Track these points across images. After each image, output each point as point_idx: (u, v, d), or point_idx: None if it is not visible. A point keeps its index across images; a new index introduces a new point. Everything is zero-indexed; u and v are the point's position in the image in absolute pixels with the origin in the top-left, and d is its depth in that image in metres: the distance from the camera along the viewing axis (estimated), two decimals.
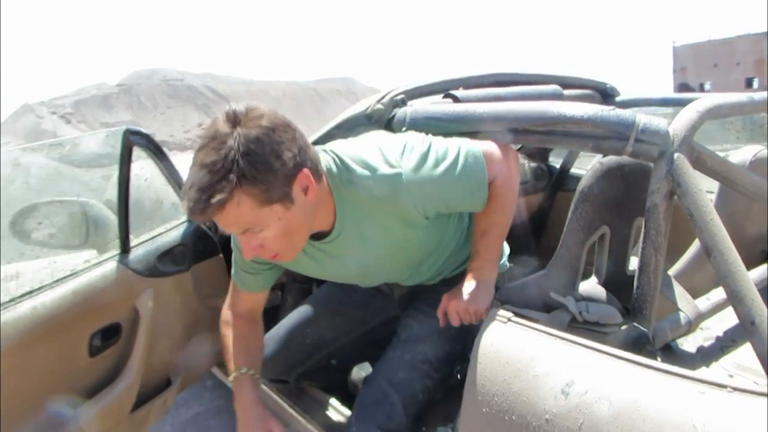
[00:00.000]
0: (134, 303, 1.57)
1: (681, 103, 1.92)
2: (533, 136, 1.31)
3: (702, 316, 1.35)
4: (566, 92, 2.11)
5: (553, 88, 2.03)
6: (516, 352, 1.08)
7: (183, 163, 1.33)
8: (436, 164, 1.24)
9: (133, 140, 1.54)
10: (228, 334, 1.47)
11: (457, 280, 1.37)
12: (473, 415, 1.12)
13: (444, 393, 1.50)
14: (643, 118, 1.17)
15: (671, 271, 1.48)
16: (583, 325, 1.22)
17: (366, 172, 1.23)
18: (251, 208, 1.10)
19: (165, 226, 1.75)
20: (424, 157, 1.24)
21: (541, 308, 1.26)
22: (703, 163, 1.21)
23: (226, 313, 1.50)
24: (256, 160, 1.07)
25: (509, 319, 1.14)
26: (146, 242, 1.65)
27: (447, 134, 1.38)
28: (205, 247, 1.80)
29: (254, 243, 1.18)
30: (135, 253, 1.61)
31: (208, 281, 1.81)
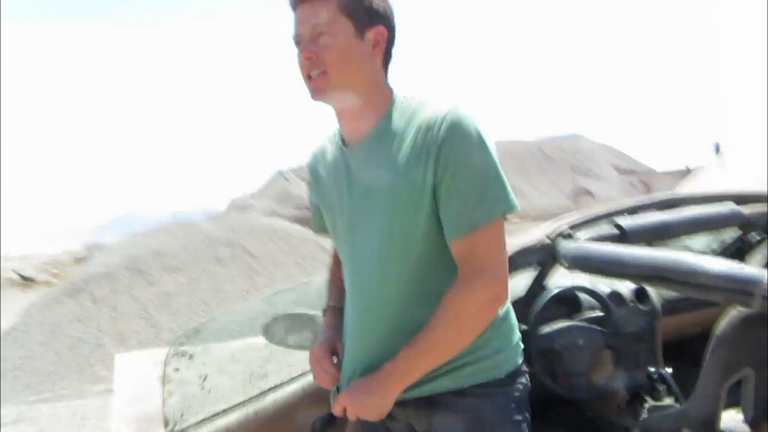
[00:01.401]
0: None
1: None
2: (670, 284, 1.47)
3: None
4: (746, 209, 2.10)
5: (729, 208, 2.05)
6: None
7: None
8: (482, 144, 1.24)
9: None
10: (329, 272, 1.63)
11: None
12: None
13: None
14: None
15: None
16: None
17: (436, 102, 1.30)
18: (333, 8, 1.27)
19: None
20: (478, 135, 1.25)
21: None
22: None
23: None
24: None
25: None
26: None
27: (600, 275, 1.57)
28: None
29: (315, 46, 1.29)
30: None
31: None
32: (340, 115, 1.38)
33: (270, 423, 1.81)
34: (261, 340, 1.95)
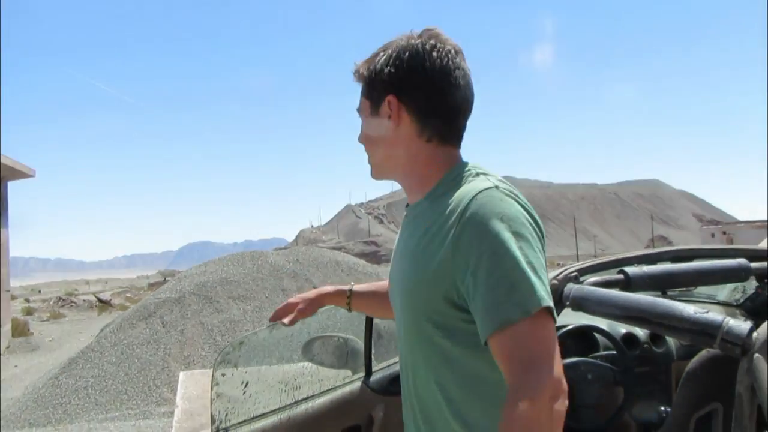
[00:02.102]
0: (371, 412, 2.23)
1: None
2: (649, 325, 1.64)
3: None
4: (756, 265, 2.18)
5: (737, 263, 2.13)
6: None
7: None
8: (510, 234, 1.09)
9: None
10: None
11: None
12: None
13: None
14: (730, 321, 1.43)
15: None
16: None
17: (480, 179, 1.21)
18: (361, 91, 1.35)
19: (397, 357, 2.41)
20: (505, 224, 1.10)
21: None
22: None
23: None
24: (379, 61, 1.29)
25: None
26: (384, 368, 2.33)
27: (595, 315, 1.72)
28: None
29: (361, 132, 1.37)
30: (375, 376, 2.28)
31: None
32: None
33: (300, 429, 2.07)
34: (297, 355, 2.24)
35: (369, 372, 2.29)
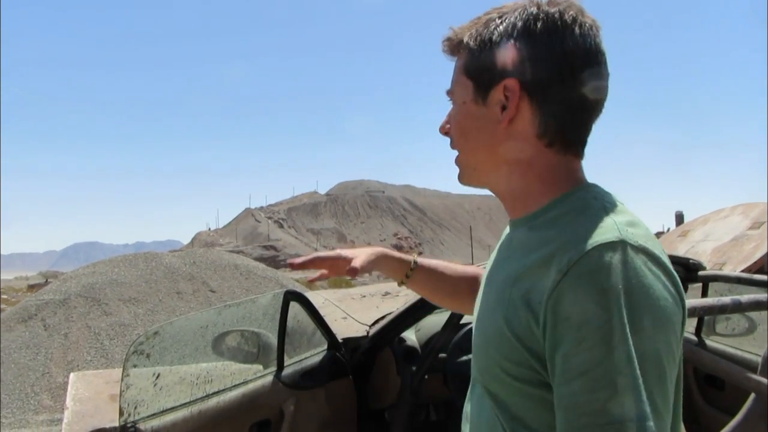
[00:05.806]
0: (281, 406, 2.26)
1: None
2: None
3: None
4: None
5: None
6: None
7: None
8: (625, 319, 0.76)
9: (290, 297, 2.31)
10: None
11: None
12: None
13: None
14: None
15: None
16: None
17: (605, 220, 0.86)
18: (459, 68, 1.01)
19: (310, 352, 2.46)
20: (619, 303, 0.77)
21: None
22: None
23: None
24: (497, 30, 0.96)
25: None
26: (295, 363, 2.36)
27: None
28: (337, 370, 2.47)
29: (448, 116, 1.06)
30: (286, 371, 2.32)
31: (339, 396, 2.46)
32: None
33: (211, 423, 2.07)
34: (210, 348, 2.24)
35: (281, 366, 2.33)
